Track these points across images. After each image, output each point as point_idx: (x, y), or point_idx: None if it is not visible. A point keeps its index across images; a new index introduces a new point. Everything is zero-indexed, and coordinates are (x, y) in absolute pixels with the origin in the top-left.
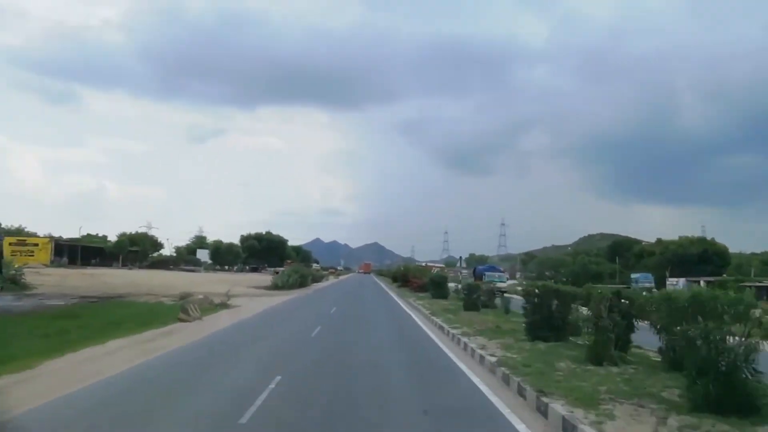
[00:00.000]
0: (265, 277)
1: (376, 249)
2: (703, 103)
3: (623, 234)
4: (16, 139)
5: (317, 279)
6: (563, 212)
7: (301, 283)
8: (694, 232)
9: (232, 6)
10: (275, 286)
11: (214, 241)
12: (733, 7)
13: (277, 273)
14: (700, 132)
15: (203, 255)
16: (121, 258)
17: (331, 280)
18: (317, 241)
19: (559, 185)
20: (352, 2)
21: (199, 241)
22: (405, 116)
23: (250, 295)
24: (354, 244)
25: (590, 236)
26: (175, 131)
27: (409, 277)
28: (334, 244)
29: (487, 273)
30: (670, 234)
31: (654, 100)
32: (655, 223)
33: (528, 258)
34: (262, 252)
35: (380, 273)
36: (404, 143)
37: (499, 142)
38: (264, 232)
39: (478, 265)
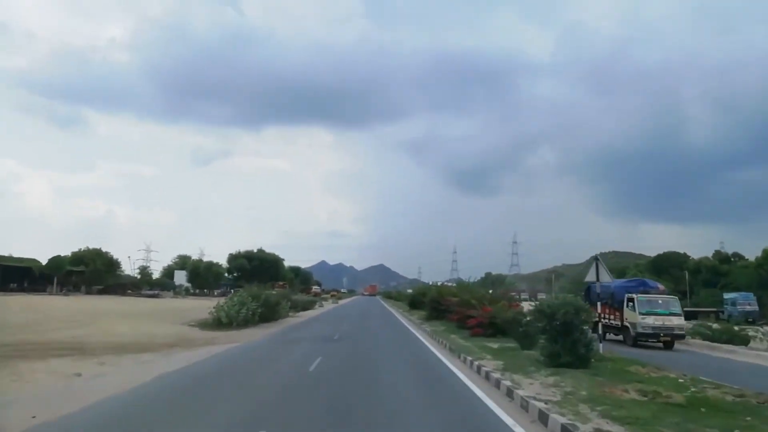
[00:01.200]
0: None
1: (381, 271)
2: (712, 115)
3: (637, 252)
4: (24, 164)
5: (306, 306)
6: (571, 231)
7: (265, 315)
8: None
9: (237, 24)
10: (218, 322)
11: (193, 261)
12: (739, 15)
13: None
14: (709, 145)
15: (181, 277)
16: (55, 281)
17: (328, 305)
18: (323, 263)
19: (567, 203)
20: (356, 18)
21: (182, 262)
22: (410, 134)
23: (154, 347)
24: (360, 266)
25: (602, 254)
26: (180, 153)
27: (450, 305)
28: (339, 267)
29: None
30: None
31: (662, 112)
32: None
33: (551, 275)
34: (255, 272)
35: (389, 296)
36: (410, 162)
37: (506, 159)
38: (255, 250)
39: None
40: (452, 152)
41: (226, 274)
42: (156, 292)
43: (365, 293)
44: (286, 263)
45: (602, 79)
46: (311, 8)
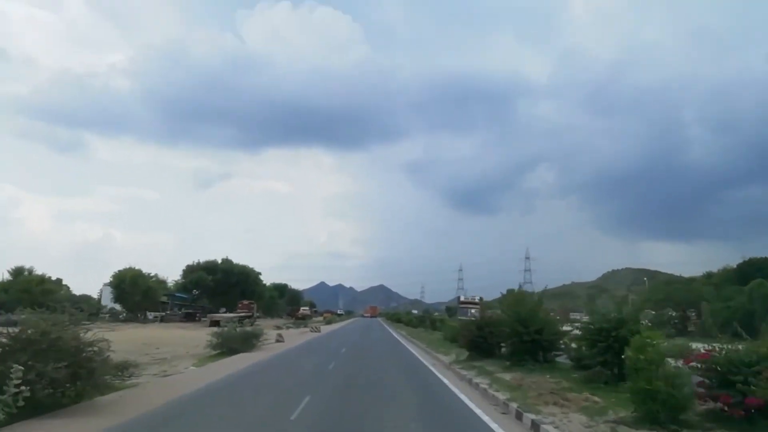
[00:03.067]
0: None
1: (381, 291)
2: (711, 135)
3: (651, 268)
4: (23, 189)
5: (249, 340)
6: (574, 250)
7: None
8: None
9: (237, 50)
10: None
11: (117, 273)
12: (735, 36)
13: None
14: (708, 164)
15: (107, 294)
16: None
17: (309, 334)
18: (322, 284)
19: (570, 223)
20: (355, 44)
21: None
22: (410, 155)
23: None
24: (360, 287)
25: (614, 271)
26: (181, 177)
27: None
28: (338, 288)
29: None
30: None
31: (661, 133)
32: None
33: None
34: (220, 288)
35: (396, 318)
36: (409, 183)
37: (507, 180)
38: (220, 260)
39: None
40: (452, 173)
41: (176, 294)
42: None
43: (366, 315)
44: (281, 283)
45: (601, 101)
46: (311, 34)
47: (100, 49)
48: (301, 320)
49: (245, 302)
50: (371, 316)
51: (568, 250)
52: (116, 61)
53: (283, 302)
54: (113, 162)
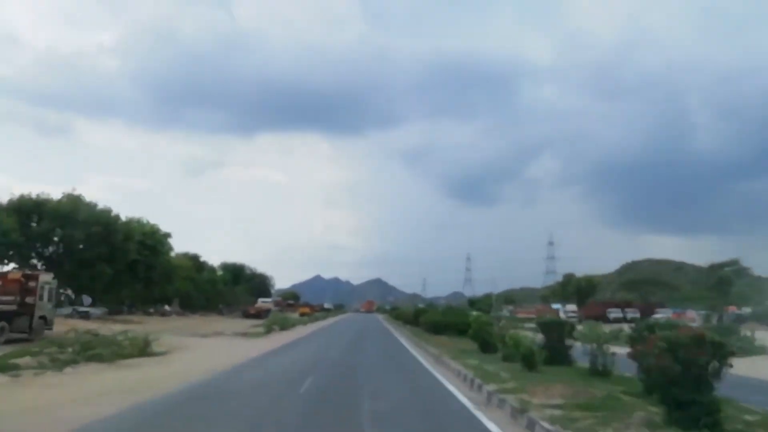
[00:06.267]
0: None
1: (378, 285)
2: (716, 122)
3: (677, 260)
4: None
5: None
6: (582, 241)
7: None
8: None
9: (228, 29)
10: None
11: None
12: (745, 18)
13: None
14: (714, 154)
15: None
16: None
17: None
18: (317, 278)
19: (577, 213)
20: (353, 22)
21: None
22: (409, 142)
23: None
24: (356, 281)
25: (635, 263)
26: (171, 163)
27: None
28: (335, 281)
29: None
30: None
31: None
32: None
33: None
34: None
35: (397, 316)
36: (408, 171)
37: (510, 168)
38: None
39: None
40: (452, 160)
41: None
42: None
43: (361, 310)
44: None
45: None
46: (305, 11)
47: (86, 27)
48: (255, 317)
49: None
50: (367, 311)
51: (579, 240)
52: (103, 41)
53: (240, 291)
54: (102, 147)
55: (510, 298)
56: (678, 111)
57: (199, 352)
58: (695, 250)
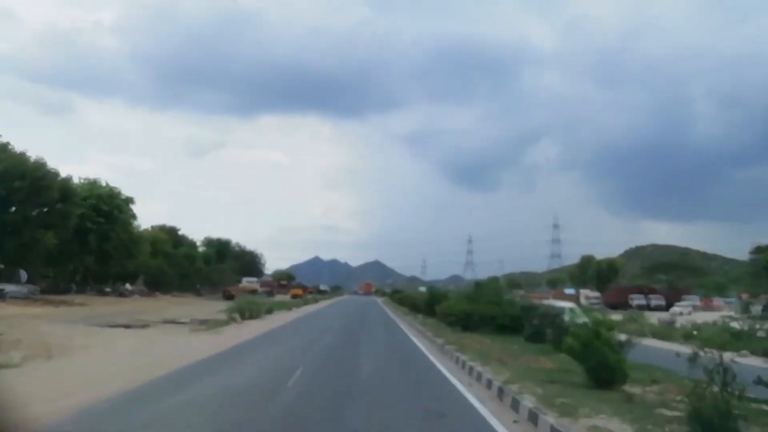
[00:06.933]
0: None
1: (377, 267)
2: (718, 110)
3: (682, 245)
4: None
5: None
6: (586, 226)
7: None
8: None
9: (229, 8)
10: None
11: None
12: (748, 6)
13: None
14: (717, 141)
15: None
16: None
17: None
18: (316, 259)
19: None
20: (355, 4)
21: None
22: (410, 125)
23: None
24: (354, 262)
25: (639, 248)
26: (173, 143)
27: None
28: (333, 263)
29: None
30: None
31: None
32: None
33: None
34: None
35: (400, 300)
36: (408, 154)
37: (511, 152)
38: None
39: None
40: (453, 145)
41: None
42: None
43: (359, 292)
44: (277, 259)
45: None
46: None
47: (85, 3)
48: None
49: None
50: (365, 293)
51: (581, 225)
52: (103, 18)
53: (227, 269)
54: (103, 126)
55: (514, 281)
56: (681, 98)
57: (71, 362)
58: (697, 236)
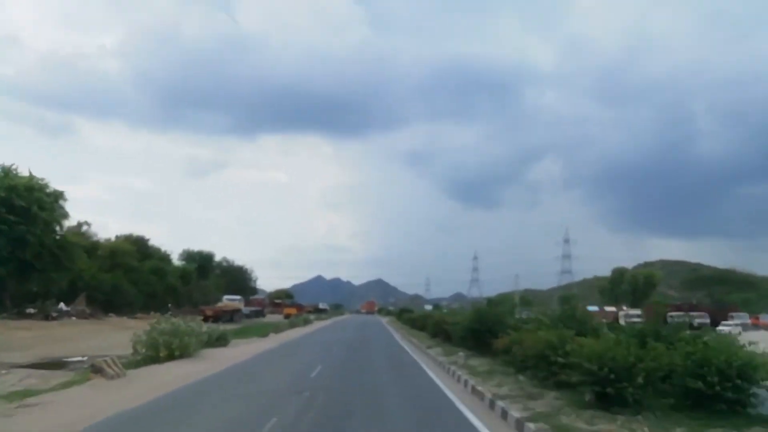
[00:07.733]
0: None
1: (380, 286)
2: (720, 127)
3: (693, 261)
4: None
5: None
6: (588, 244)
7: None
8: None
9: (231, 31)
10: None
11: None
12: (750, 22)
13: None
14: (718, 158)
15: None
16: None
17: None
18: (319, 278)
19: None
20: (356, 25)
21: None
22: (411, 144)
23: None
24: (357, 281)
25: (647, 263)
26: (174, 165)
27: None
28: (336, 282)
29: None
30: None
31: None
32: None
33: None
34: None
35: (411, 322)
36: (411, 174)
37: (512, 171)
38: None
39: None
40: (454, 163)
41: None
42: None
43: (362, 311)
44: (279, 278)
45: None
46: (308, 14)
47: (89, 29)
48: (214, 321)
49: None
50: (368, 312)
51: (586, 243)
52: (106, 42)
53: (211, 286)
54: (105, 148)
55: (525, 299)
56: (682, 116)
57: None
58: (705, 252)
